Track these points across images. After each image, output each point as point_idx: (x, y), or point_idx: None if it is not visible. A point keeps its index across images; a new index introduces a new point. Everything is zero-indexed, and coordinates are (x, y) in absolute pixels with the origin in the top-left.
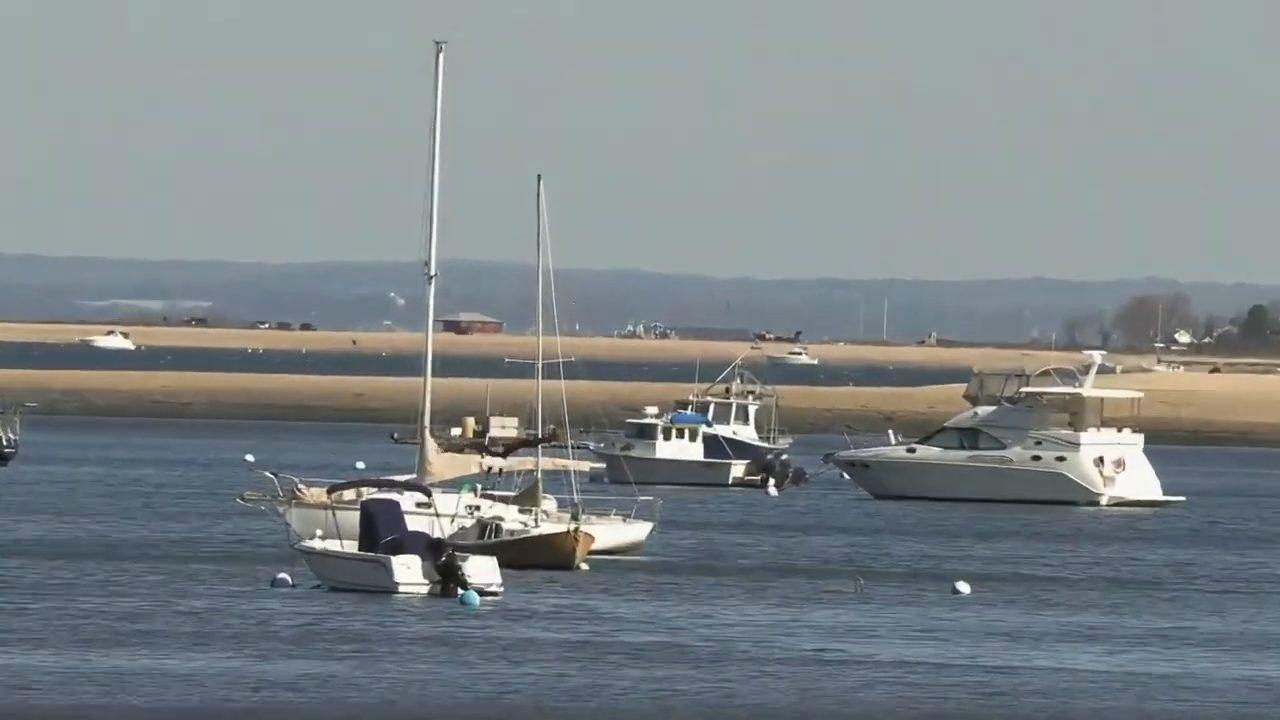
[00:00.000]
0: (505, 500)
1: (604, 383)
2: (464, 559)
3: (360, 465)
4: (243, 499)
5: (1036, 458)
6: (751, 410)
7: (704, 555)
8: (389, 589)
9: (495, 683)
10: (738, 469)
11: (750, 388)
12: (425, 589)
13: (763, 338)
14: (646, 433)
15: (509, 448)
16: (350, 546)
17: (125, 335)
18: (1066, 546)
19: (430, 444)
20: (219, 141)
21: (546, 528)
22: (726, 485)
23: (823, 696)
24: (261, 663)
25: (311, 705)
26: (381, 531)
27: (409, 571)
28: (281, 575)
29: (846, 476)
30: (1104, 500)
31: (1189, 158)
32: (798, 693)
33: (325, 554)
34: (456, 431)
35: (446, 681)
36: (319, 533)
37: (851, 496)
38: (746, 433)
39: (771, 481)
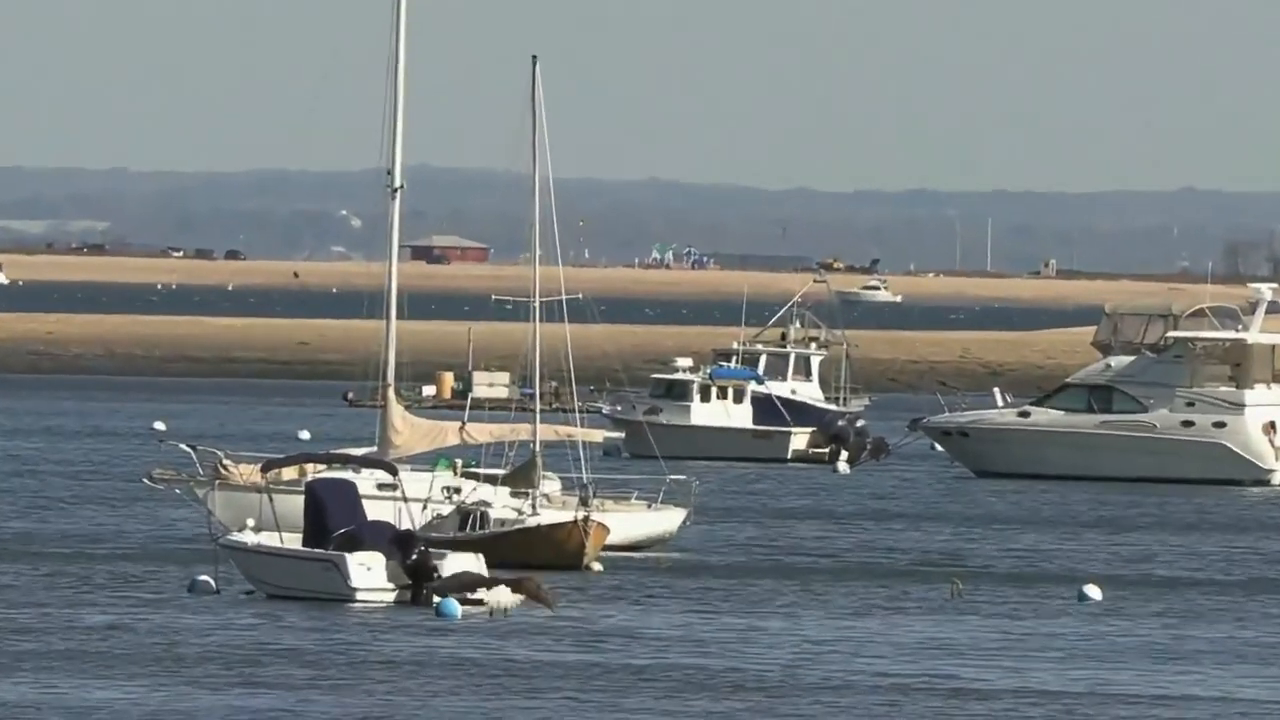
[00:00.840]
0: (494, 481)
1: (622, 326)
2: (441, 557)
3: (304, 435)
4: (150, 479)
5: (1188, 423)
6: (815, 362)
7: (754, 552)
8: (343, 596)
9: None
10: (798, 439)
11: (813, 333)
12: (391, 596)
13: (829, 268)
14: (678, 392)
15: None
16: (293, 542)
17: None
18: (1227, 539)
19: (395, 407)
20: (118, 16)
21: (548, 517)
22: (784, 460)
23: None
24: (180, 696)
25: None
26: (333, 521)
27: (369, 574)
28: (202, 578)
29: (940, 448)
30: (1276, 478)
31: None
32: None
33: (259, 551)
34: (430, 391)
35: (420, 718)
36: (250, 523)
37: (946, 473)
38: (809, 391)
39: (843, 455)
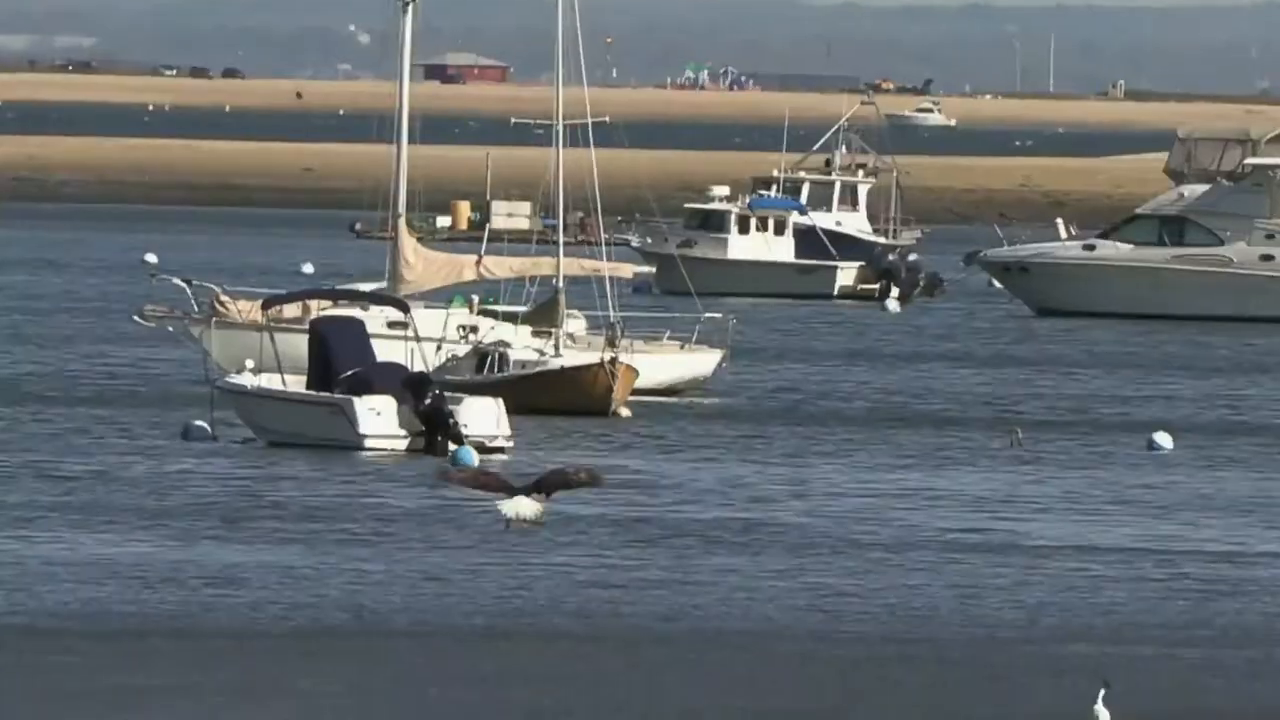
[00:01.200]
0: (514, 320)
1: (653, 152)
2: (456, 402)
3: (308, 269)
4: (142, 317)
5: (1267, 257)
6: (863, 192)
7: (795, 397)
8: (351, 444)
9: (503, 581)
10: (845, 275)
11: (861, 159)
12: (403, 444)
13: (877, 89)
14: (714, 223)
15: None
16: (296, 385)
17: None
18: None
19: (407, 239)
20: None
21: (572, 358)
22: (829, 297)
23: (968, 597)
24: (174, 549)
25: (242, 610)
26: (340, 363)
27: (379, 419)
28: (198, 424)
29: (998, 284)
30: None
31: None
32: (934, 594)
33: (259, 395)
34: (445, 222)
35: (435, 577)
36: (250, 364)
37: (1005, 312)
38: (856, 223)
39: (893, 292)
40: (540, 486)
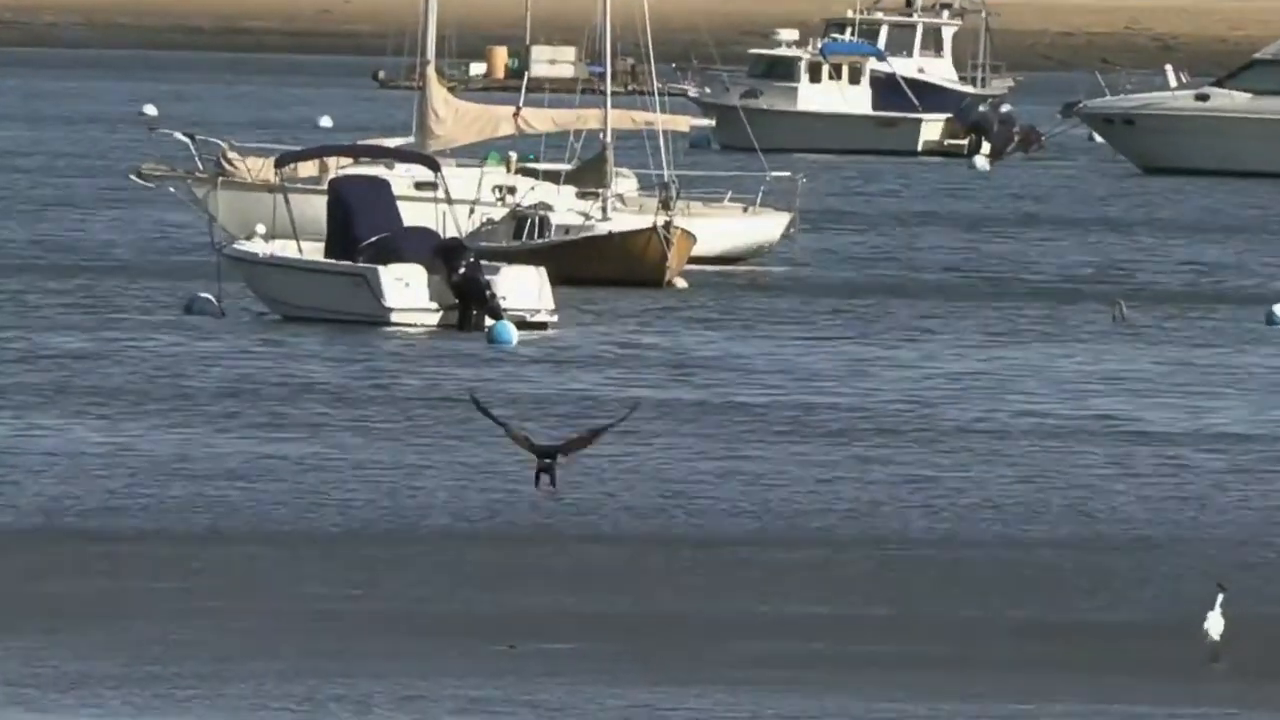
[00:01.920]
0: (556, 179)
1: None
2: (493, 272)
3: (326, 123)
4: (139, 176)
5: None
6: (948, 35)
7: (872, 266)
8: (376, 318)
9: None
10: (930, 128)
11: None
12: (433, 319)
13: None
14: (781, 71)
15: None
16: (314, 253)
17: None
18: None
19: (437, 89)
20: None
21: (621, 222)
22: (911, 153)
23: (1068, 489)
24: (177, 439)
25: (259, 505)
26: (362, 228)
27: (407, 290)
28: (203, 296)
29: (1100, 138)
30: None
31: None
32: (1031, 489)
33: (272, 263)
34: (479, 69)
35: (470, 467)
36: (261, 230)
37: (1108, 170)
38: (941, 70)
39: (983, 148)
40: (566, 449)
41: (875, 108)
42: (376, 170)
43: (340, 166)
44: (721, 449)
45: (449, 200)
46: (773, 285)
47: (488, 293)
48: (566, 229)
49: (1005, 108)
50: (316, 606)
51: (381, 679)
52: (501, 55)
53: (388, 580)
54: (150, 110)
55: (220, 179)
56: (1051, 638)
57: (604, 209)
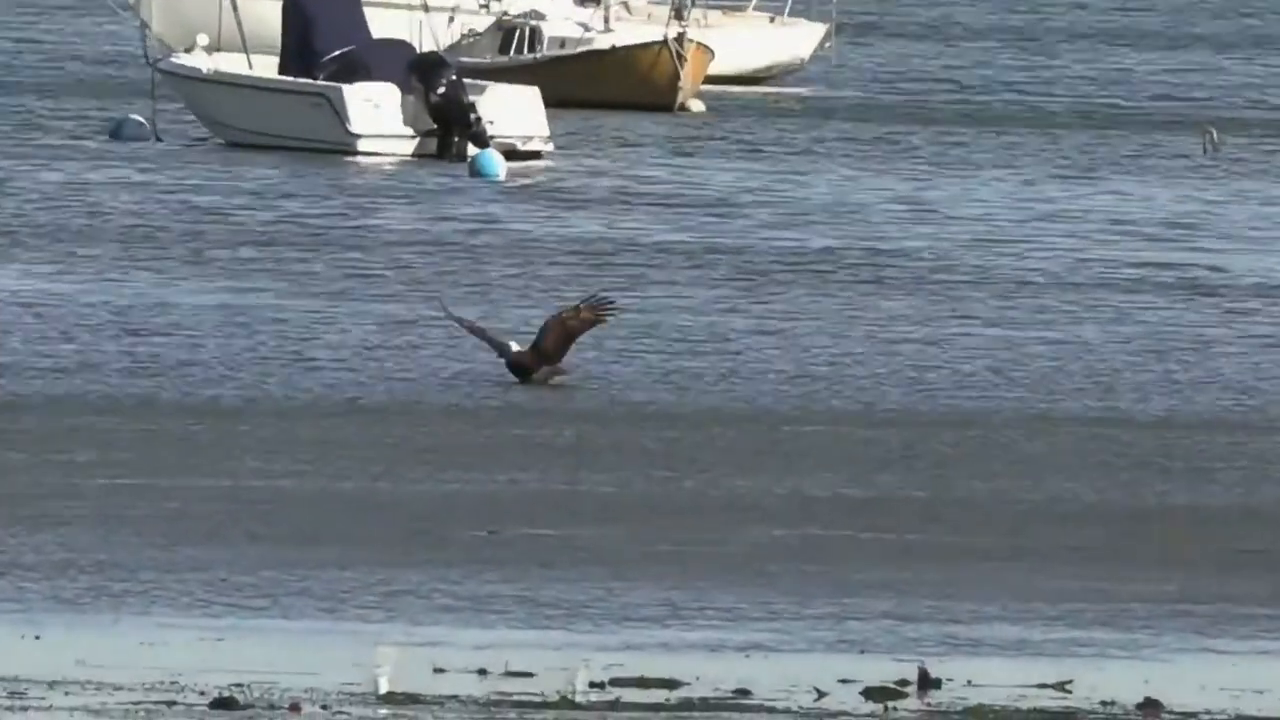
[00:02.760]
0: None
1: None
2: (478, 92)
3: None
4: None
5: None
6: None
7: (921, 87)
8: (339, 145)
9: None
10: None
11: None
12: (408, 147)
13: None
14: None
15: None
16: (267, 69)
17: None
18: None
19: None
20: None
21: (626, 34)
22: None
23: (1146, 354)
24: (101, 287)
25: (201, 369)
26: (323, 39)
27: (376, 113)
28: (134, 118)
29: None
30: None
31: None
32: (1108, 351)
33: (216, 81)
34: None
35: (446, 330)
36: (203, 41)
37: None
38: None
39: None
40: (541, 353)
41: None
42: None
43: None
44: (741, 303)
45: (425, 8)
46: (804, 109)
47: (471, 116)
48: (562, 42)
49: None
50: (268, 484)
51: (347, 568)
52: None
53: (348, 456)
54: None
55: None
56: (1123, 524)
57: (606, 18)
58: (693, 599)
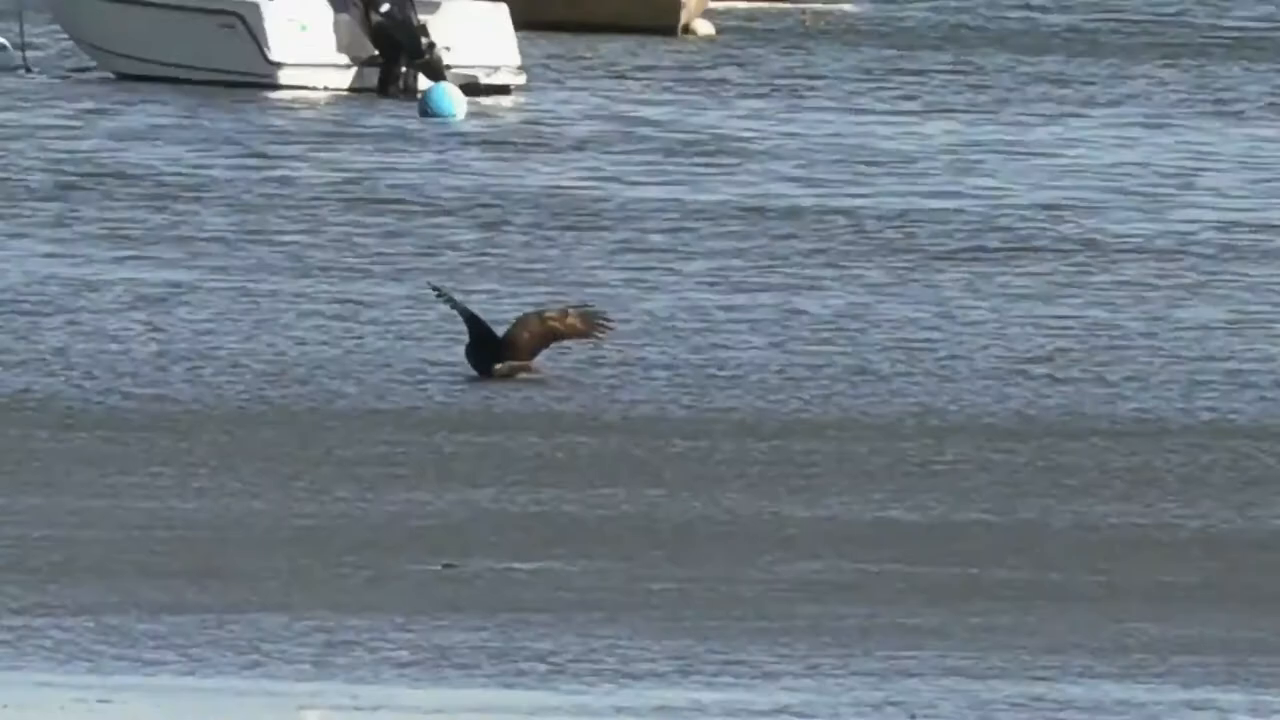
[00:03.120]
0: None
1: None
2: (430, 10)
3: None
4: None
5: None
6: None
7: (970, 4)
8: (257, 77)
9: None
10: None
11: None
12: (342, 78)
13: None
14: None
15: None
16: None
17: None
18: None
19: None
20: None
21: None
22: None
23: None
24: None
25: (92, 365)
26: None
27: (302, 37)
28: None
29: None
30: None
31: None
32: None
33: None
34: None
35: (400, 325)
36: None
37: None
38: None
39: None
40: (511, 347)
41: None
42: None
43: None
44: (754, 277)
45: None
46: (834, 30)
47: (422, 42)
48: None
49: None
50: (163, 506)
51: (269, 611)
52: None
53: (266, 471)
54: None
55: None
56: (1247, 556)
57: None
58: (703, 651)
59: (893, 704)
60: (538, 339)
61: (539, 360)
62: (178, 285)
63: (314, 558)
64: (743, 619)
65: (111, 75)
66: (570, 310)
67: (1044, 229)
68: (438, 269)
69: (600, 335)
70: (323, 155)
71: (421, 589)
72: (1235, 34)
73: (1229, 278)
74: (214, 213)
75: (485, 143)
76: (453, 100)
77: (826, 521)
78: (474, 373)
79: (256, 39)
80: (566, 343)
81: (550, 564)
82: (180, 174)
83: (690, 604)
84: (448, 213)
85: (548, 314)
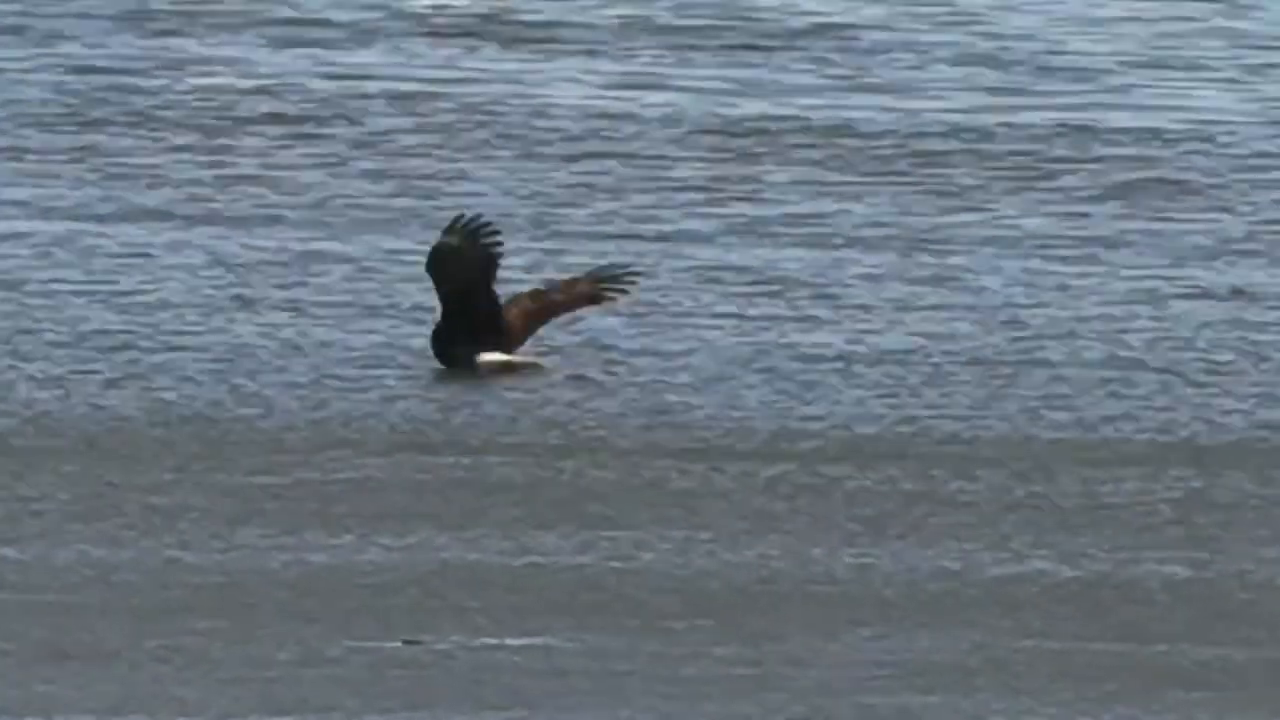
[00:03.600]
0: None
1: None
2: None
3: None
4: None
5: None
6: None
7: None
8: None
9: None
10: None
11: None
12: None
13: None
14: None
15: None
16: None
17: None
18: None
19: None
20: None
21: None
22: None
23: None
24: None
25: None
26: None
27: None
28: None
29: None
30: None
31: None
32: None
33: None
34: None
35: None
36: None
37: None
38: None
39: None
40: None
41: None
42: None
43: None
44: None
45: None
46: None
47: None
48: None
49: None
50: (30, 560)
51: (178, 705)
52: None
53: (169, 511)
54: None
55: None
56: None
57: None
58: None
59: None
60: (528, 316)
61: (527, 347)
62: (37, 242)
63: (240, 624)
64: (808, 708)
65: None
66: (579, 279)
67: None
68: (380, 219)
69: (611, 298)
70: (242, 49)
71: (371, 674)
72: None
73: None
74: (87, 138)
75: (461, 34)
76: None
77: (915, 570)
78: (439, 365)
79: None
80: (580, 311)
81: (544, 637)
82: (60, 77)
83: (735, 692)
84: (413, 129)
85: (548, 289)
